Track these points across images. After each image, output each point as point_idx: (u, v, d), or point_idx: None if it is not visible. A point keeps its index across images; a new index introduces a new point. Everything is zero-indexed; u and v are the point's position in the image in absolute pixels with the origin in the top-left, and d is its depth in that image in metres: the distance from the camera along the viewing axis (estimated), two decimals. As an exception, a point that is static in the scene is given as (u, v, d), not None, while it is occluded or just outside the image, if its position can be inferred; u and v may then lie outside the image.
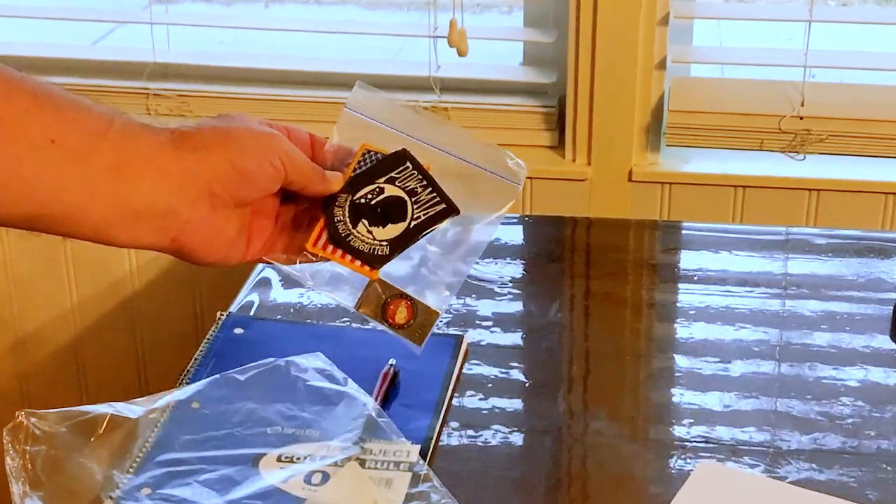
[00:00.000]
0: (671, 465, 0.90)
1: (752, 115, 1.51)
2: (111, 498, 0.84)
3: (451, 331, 1.08)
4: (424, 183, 0.77)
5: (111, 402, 0.90)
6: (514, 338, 1.11)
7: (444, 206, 0.77)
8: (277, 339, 1.04)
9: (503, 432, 0.94)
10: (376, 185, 0.77)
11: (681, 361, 1.05)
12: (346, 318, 1.10)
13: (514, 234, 1.35)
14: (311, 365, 0.97)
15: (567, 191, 1.56)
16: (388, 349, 1.02)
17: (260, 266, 1.20)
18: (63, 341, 1.72)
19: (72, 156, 0.66)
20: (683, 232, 1.34)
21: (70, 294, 1.70)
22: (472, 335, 1.07)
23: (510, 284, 1.18)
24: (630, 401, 1.02)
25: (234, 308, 1.11)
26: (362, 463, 0.87)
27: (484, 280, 1.18)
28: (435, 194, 0.77)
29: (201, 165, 0.71)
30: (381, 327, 0.79)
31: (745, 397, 0.98)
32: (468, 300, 1.14)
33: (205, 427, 0.92)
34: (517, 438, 0.95)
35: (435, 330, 1.06)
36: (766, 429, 0.94)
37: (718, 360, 1.04)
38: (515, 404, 1.00)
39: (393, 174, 0.77)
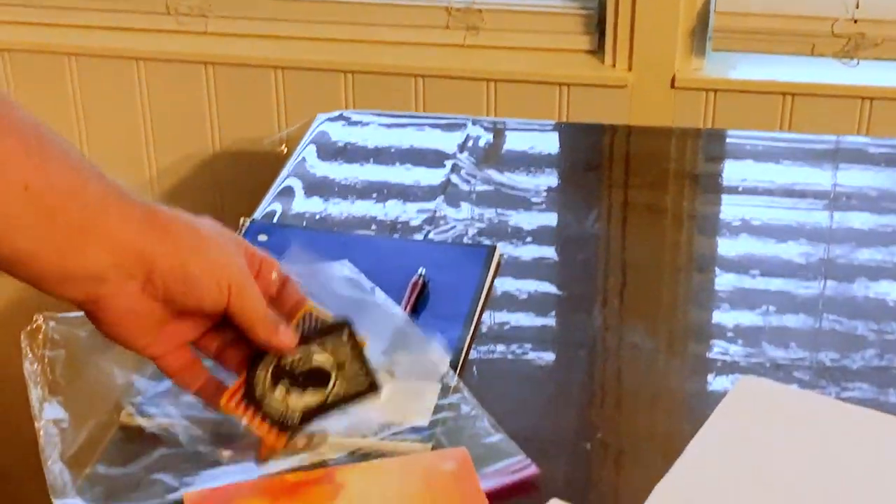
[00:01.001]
0: (710, 381, 0.87)
1: (803, 17, 1.45)
2: (132, 403, 0.82)
3: (484, 240, 1.04)
4: (354, 356, 0.78)
5: None
6: (549, 249, 1.07)
7: (368, 382, 0.78)
8: (302, 247, 1.00)
9: (536, 345, 0.91)
10: (307, 352, 0.77)
11: (722, 276, 1.01)
12: (373, 227, 1.07)
13: (550, 143, 1.30)
14: (338, 273, 0.94)
15: (606, 98, 1.51)
16: (416, 258, 0.99)
17: (284, 174, 1.17)
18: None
19: (39, 208, 0.66)
20: (728, 141, 1.29)
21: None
22: (505, 246, 1.03)
23: (545, 194, 1.14)
24: (668, 315, 0.99)
25: (256, 216, 1.08)
26: (391, 373, 0.85)
27: (518, 189, 1.14)
28: (362, 370, 0.78)
29: (153, 253, 0.70)
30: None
31: (790, 314, 0.94)
32: (501, 211, 1.10)
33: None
34: (550, 352, 0.91)
35: (466, 240, 1.04)
36: (811, 346, 0.90)
37: (762, 274, 1.00)
38: (549, 317, 0.97)
39: (327, 342, 0.78)
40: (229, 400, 0.76)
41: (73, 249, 0.68)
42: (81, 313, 0.83)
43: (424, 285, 0.95)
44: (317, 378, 0.77)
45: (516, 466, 0.76)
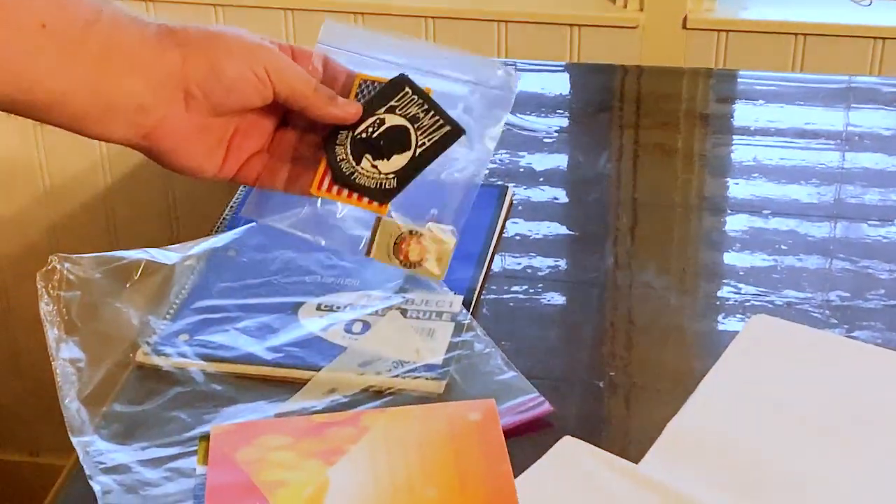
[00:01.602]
0: (721, 321, 0.87)
1: (816, -43, 1.43)
2: (148, 343, 0.83)
3: (496, 181, 1.04)
4: (426, 107, 0.74)
5: (146, 249, 0.88)
6: (561, 190, 1.07)
7: (448, 128, 0.73)
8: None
9: (548, 284, 0.91)
10: (376, 117, 0.74)
11: (733, 216, 1.01)
12: (386, 168, 1.07)
13: (561, 84, 1.30)
14: (352, 213, 0.94)
15: (617, 39, 1.49)
16: (429, 200, 0.98)
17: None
18: (92, 192, 1.70)
19: (60, 43, 0.65)
20: (739, 81, 1.28)
21: (99, 144, 1.68)
22: (516, 187, 1.03)
23: (557, 135, 1.14)
24: (680, 255, 0.99)
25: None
26: (404, 312, 0.85)
27: (529, 130, 1.13)
28: (438, 118, 0.73)
29: (181, 63, 0.68)
30: (396, 268, 0.75)
31: (801, 254, 0.94)
32: (513, 152, 1.10)
33: (242, 275, 0.90)
34: (562, 291, 0.92)
35: (478, 181, 1.04)
36: (822, 286, 0.90)
37: (773, 214, 1.00)
38: (561, 257, 0.97)
39: (392, 102, 0.74)
40: (318, 187, 0.73)
41: (105, 82, 0.67)
42: (97, 255, 0.83)
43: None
44: (397, 140, 0.74)
45: (530, 403, 0.77)
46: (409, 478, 0.73)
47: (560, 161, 1.12)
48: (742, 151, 1.11)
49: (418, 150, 0.73)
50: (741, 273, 0.92)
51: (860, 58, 1.45)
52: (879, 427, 0.76)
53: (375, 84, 0.74)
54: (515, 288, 0.91)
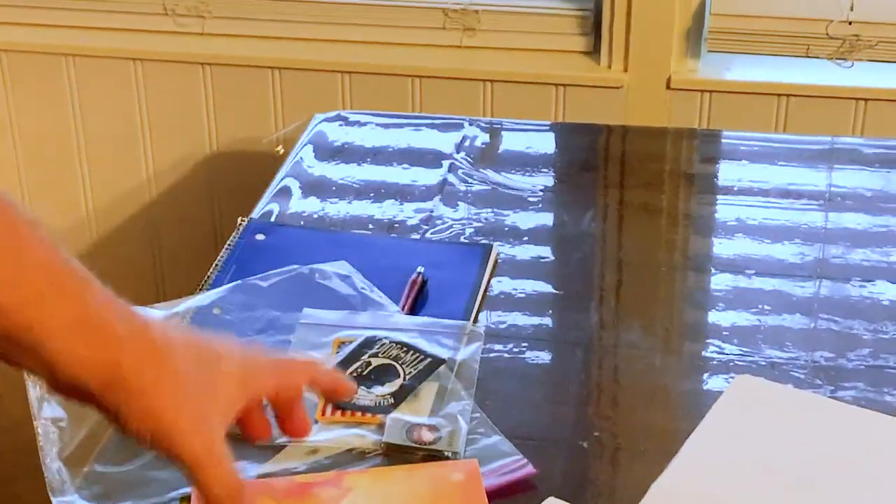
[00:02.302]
0: (706, 380, 0.87)
1: (798, 19, 1.45)
2: None
3: (481, 240, 1.05)
4: (405, 348, 0.85)
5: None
6: (546, 249, 1.07)
7: (429, 360, 0.84)
8: (300, 246, 1.01)
9: (533, 343, 0.91)
10: (363, 361, 0.84)
11: (718, 275, 1.01)
12: (370, 227, 1.07)
13: (546, 143, 1.31)
14: (336, 271, 0.95)
15: (602, 99, 1.51)
16: (413, 257, 0.99)
17: (281, 174, 1.17)
18: (78, 250, 1.70)
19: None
20: (723, 141, 1.29)
21: (85, 202, 1.68)
22: (502, 245, 1.04)
23: (542, 194, 1.14)
24: (664, 314, 0.99)
25: (254, 216, 1.08)
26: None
27: (515, 189, 1.14)
28: (419, 354, 0.85)
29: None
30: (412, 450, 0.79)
31: (785, 313, 0.95)
32: (498, 210, 1.10)
33: (226, 333, 0.90)
34: (547, 350, 0.92)
35: (463, 240, 1.04)
36: (806, 346, 0.91)
37: (757, 274, 1.00)
38: (546, 316, 0.97)
39: (374, 349, 0.85)
40: (322, 413, 0.80)
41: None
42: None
43: (423, 283, 0.95)
44: (386, 374, 0.83)
45: (513, 465, 0.77)
46: None
47: (545, 220, 1.12)
48: (726, 211, 1.12)
49: (407, 377, 0.83)
50: (725, 332, 0.92)
51: (842, 118, 1.47)
52: (862, 486, 0.76)
53: (351, 343, 0.85)
54: (500, 346, 0.91)
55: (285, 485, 0.76)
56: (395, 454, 0.78)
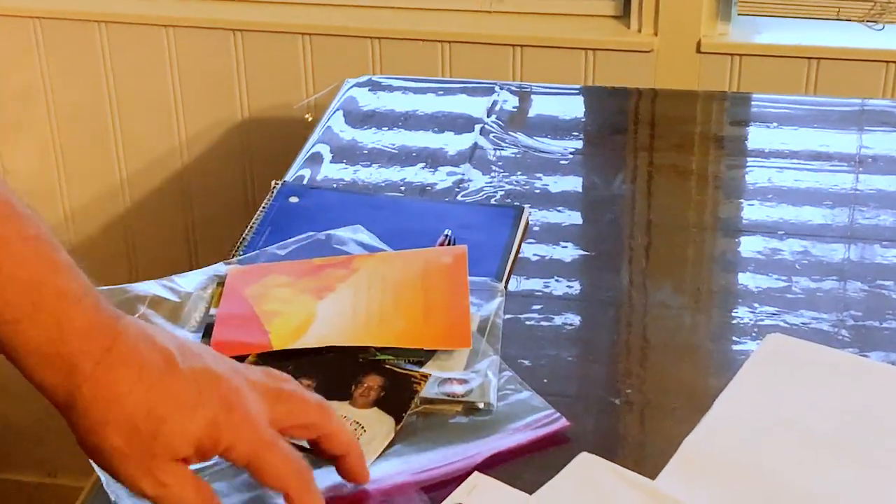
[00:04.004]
0: (736, 339, 0.88)
1: (829, -19, 1.44)
2: None
3: (512, 202, 1.05)
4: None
5: (156, 280, 0.89)
6: (577, 210, 1.08)
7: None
8: (333, 208, 1.02)
9: (564, 304, 0.92)
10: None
11: (747, 237, 1.02)
12: (402, 191, 1.08)
13: (576, 107, 1.31)
14: (353, 237, 0.95)
15: (632, 63, 1.51)
16: (445, 219, 1.00)
17: (312, 140, 1.18)
18: (112, 216, 1.72)
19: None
20: (753, 104, 1.29)
21: (119, 168, 1.70)
22: (533, 208, 1.04)
23: (572, 157, 1.15)
24: (694, 274, 1.00)
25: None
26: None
27: (545, 152, 1.15)
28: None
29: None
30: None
31: (815, 276, 0.95)
32: (529, 174, 1.11)
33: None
34: (578, 311, 0.93)
35: (493, 202, 1.05)
36: (836, 308, 0.91)
37: (787, 236, 1.01)
38: (577, 277, 0.98)
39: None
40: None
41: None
42: (107, 287, 0.84)
43: (451, 245, 0.96)
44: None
45: (545, 420, 0.78)
46: (382, 311, 0.85)
47: (575, 182, 1.13)
48: (756, 173, 1.12)
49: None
50: (755, 293, 0.93)
51: (873, 81, 1.46)
52: (894, 445, 0.77)
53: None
54: (532, 307, 0.92)
55: (304, 267, 0.90)
56: (431, 408, 0.79)
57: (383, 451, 0.75)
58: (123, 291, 0.88)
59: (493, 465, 0.74)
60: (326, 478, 0.71)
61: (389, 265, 0.89)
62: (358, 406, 0.78)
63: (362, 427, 0.76)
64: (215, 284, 0.89)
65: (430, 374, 0.80)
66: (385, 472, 0.73)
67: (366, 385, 0.79)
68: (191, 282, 0.90)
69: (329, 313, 0.85)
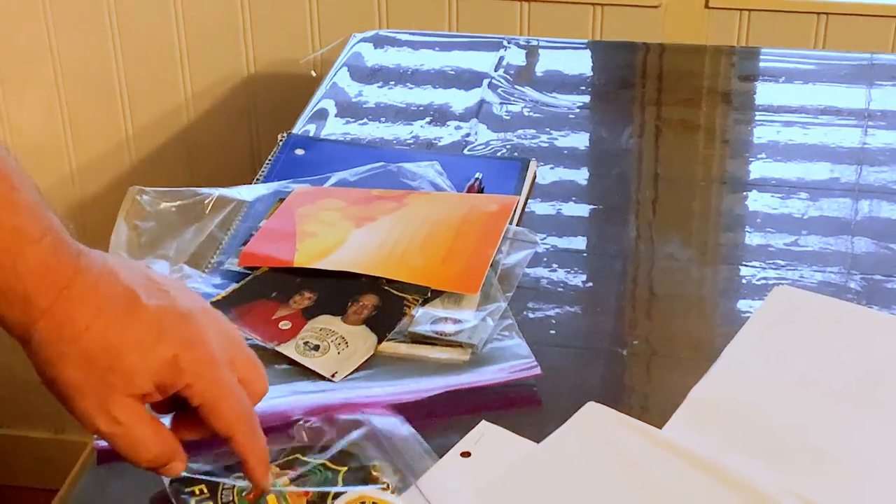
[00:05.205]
0: (743, 291, 0.88)
1: (839, -65, 1.43)
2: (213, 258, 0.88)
3: (520, 156, 1.05)
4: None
5: (219, 188, 0.95)
6: (584, 164, 1.08)
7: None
8: (339, 160, 1.02)
9: (572, 255, 0.93)
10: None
11: (754, 192, 1.02)
12: (410, 143, 1.08)
13: (583, 61, 1.30)
14: (424, 174, 0.96)
15: (639, 18, 1.50)
16: (452, 172, 0.99)
17: (318, 96, 1.18)
18: (118, 172, 1.72)
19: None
20: (761, 59, 1.29)
21: (124, 123, 1.69)
22: (540, 162, 1.04)
23: (579, 111, 1.15)
24: (701, 228, 1.00)
25: (294, 134, 1.09)
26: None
27: (553, 107, 1.14)
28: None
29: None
30: None
31: (822, 232, 0.95)
32: (537, 128, 1.11)
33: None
34: (586, 262, 0.93)
35: (499, 155, 1.05)
36: (843, 265, 0.91)
37: (794, 192, 1.00)
38: (584, 230, 0.98)
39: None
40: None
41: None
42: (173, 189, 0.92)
43: (481, 191, 0.96)
44: None
45: (521, 367, 0.78)
46: (407, 247, 0.86)
47: (583, 137, 1.13)
48: (764, 129, 1.12)
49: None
50: (763, 248, 0.93)
51: (882, 36, 1.45)
52: (900, 395, 0.77)
53: None
54: (541, 261, 0.92)
55: (361, 195, 0.91)
56: (420, 343, 0.80)
57: (357, 368, 0.77)
58: (193, 193, 0.94)
59: (482, 410, 0.74)
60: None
61: (437, 204, 0.90)
62: (350, 322, 0.80)
63: (346, 342, 0.78)
64: (276, 200, 0.93)
65: (422, 300, 0.81)
66: (351, 394, 0.74)
67: (361, 303, 0.81)
68: (252, 192, 0.95)
69: (358, 242, 0.86)
